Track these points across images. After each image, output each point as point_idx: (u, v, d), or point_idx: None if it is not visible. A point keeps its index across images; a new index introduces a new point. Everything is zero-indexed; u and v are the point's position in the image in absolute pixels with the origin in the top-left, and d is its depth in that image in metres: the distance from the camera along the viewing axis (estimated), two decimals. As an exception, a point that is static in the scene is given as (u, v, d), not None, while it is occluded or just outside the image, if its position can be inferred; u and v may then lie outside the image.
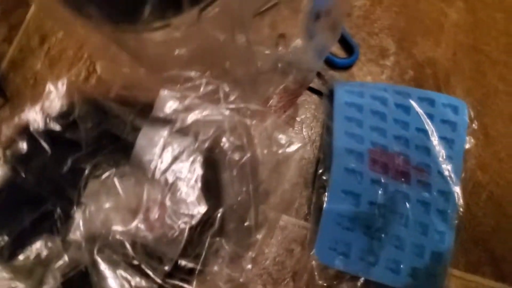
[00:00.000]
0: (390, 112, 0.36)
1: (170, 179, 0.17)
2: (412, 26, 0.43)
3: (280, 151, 0.18)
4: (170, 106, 0.17)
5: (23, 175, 0.17)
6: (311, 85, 0.41)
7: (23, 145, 0.17)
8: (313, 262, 0.29)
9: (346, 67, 0.41)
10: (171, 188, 0.17)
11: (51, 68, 0.45)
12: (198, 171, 0.17)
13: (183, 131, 0.17)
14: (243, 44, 0.25)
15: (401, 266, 0.30)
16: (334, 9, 0.32)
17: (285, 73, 0.41)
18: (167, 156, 0.17)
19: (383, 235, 0.30)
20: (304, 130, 0.40)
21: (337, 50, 0.42)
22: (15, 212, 0.17)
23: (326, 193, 0.30)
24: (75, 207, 0.18)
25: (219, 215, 0.17)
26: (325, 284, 0.29)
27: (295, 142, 0.19)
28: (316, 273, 0.29)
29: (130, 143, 0.18)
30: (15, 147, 0.17)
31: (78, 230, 0.17)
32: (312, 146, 0.39)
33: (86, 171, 0.18)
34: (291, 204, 0.35)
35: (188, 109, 0.17)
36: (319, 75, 0.41)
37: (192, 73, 0.18)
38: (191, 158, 0.17)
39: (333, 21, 0.38)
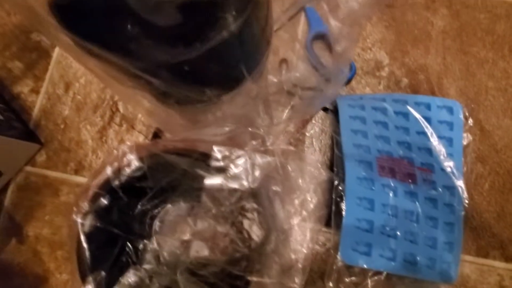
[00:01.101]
0: (391, 120, 0.39)
1: (232, 214, 0.21)
2: (402, 37, 0.46)
3: (313, 181, 0.22)
4: (222, 156, 0.21)
5: (106, 221, 0.22)
6: (316, 101, 0.45)
7: (106, 197, 0.22)
8: (340, 263, 0.33)
9: (346, 83, 0.45)
10: (234, 221, 0.21)
11: (78, 112, 0.49)
12: (252, 205, 0.21)
13: (236, 176, 0.21)
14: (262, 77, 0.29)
15: (417, 258, 0.33)
16: (336, 41, 0.36)
17: (291, 94, 0.46)
18: (227, 197, 0.21)
19: (398, 233, 0.34)
20: (314, 143, 0.44)
21: (336, 67, 0.46)
22: (102, 252, 0.21)
23: (343, 202, 0.34)
24: (143, 240, 0.22)
25: (273, 238, 0.21)
26: (353, 281, 0.32)
27: (323, 172, 0.23)
28: (343, 273, 0.33)
29: (193, 187, 0.22)
30: (100, 199, 0.22)
31: (149, 260, 0.21)
32: (324, 157, 0.43)
33: (150, 211, 0.22)
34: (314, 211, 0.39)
35: (237, 158, 0.21)
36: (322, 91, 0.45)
37: (233, 126, 0.22)
38: (246, 197, 0.21)
39: (338, 52, 0.42)
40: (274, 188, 0.21)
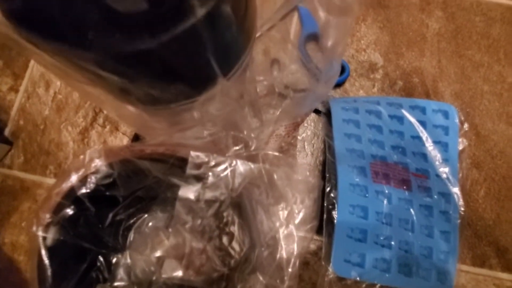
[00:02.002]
0: (385, 124, 0.38)
1: (210, 228, 0.19)
2: (396, 39, 0.45)
3: (301, 189, 0.21)
4: (200, 163, 0.19)
5: (71, 233, 0.19)
6: (309, 104, 0.43)
7: (71, 208, 0.19)
8: (332, 275, 0.31)
9: (339, 84, 0.44)
10: (212, 235, 0.19)
11: (59, 112, 0.47)
12: (233, 217, 0.19)
13: (215, 184, 0.19)
14: (248, 77, 0.27)
15: (413, 269, 0.32)
16: (325, 33, 0.34)
17: (282, 96, 0.44)
18: (205, 207, 0.19)
19: (392, 242, 0.32)
20: (306, 147, 0.42)
21: (329, 68, 0.45)
22: (68, 266, 0.19)
23: (335, 210, 0.32)
24: (115, 254, 0.20)
25: (255, 253, 0.19)
26: (344, 295, 0.31)
27: (312, 179, 0.21)
28: (335, 284, 0.31)
29: (168, 196, 0.20)
30: (64, 210, 0.19)
31: (122, 276, 0.19)
32: (316, 161, 0.42)
33: (123, 222, 0.20)
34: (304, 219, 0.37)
35: (217, 164, 0.19)
36: (315, 94, 0.43)
37: (213, 129, 0.20)
38: (225, 207, 0.19)
39: (328, 46, 0.41)
40: (258, 198, 0.20)
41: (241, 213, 0.20)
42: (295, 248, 0.20)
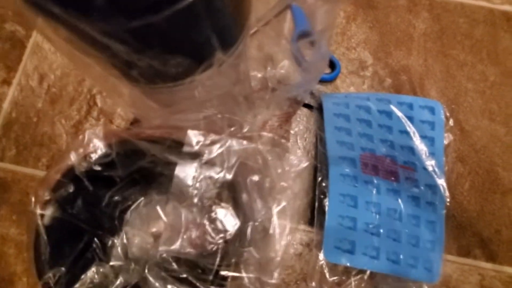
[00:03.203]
0: (374, 119, 0.39)
1: (206, 203, 0.20)
2: (385, 38, 0.47)
3: (292, 169, 0.22)
4: (197, 141, 0.20)
5: (69, 212, 0.20)
6: (301, 99, 0.44)
7: (69, 186, 0.20)
8: (322, 262, 0.32)
9: (330, 81, 0.45)
10: (207, 211, 0.20)
11: (52, 105, 0.47)
12: (227, 193, 0.20)
13: (211, 162, 0.20)
14: (243, 70, 0.28)
15: (401, 256, 0.33)
16: (328, 28, 0.35)
17: (275, 91, 0.45)
18: (201, 185, 0.20)
19: (381, 230, 0.33)
20: (298, 141, 0.43)
21: (321, 65, 0.46)
22: (65, 246, 0.20)
23: (326, 198, 0.33)
24: (112, 235, 0.20)
25: (248, 228, 0.19)
26: (335, 280, 0.31)
27: (303, 161, 0.22)
28: (326, 272, 0.32)
29: (159, 176, 0.20)
30: (62, 188, 0.20)
31: (118, 255, 0.19)
32: (308, 155, 0.43)
33: (119, 204, 0.21)
34: (297, 210, 0.38)
35: (212, 143, 0.20)
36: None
37: (209, 112, 0.21)
38: (220, 184, 0.20)
39: (317, 41, 0.42)
40: (252, 176, 0.20)
41: (235, 190, 0.20)
42: (287, 223, 0.20)
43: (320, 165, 0.35)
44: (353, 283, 0.32)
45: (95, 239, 0.20)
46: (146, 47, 0.14)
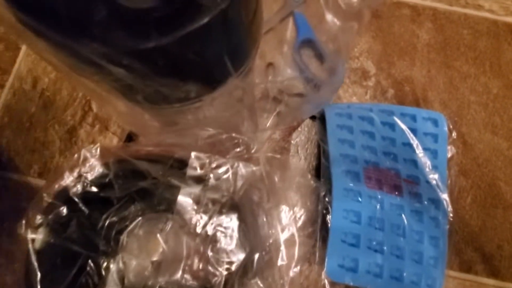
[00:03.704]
0: (377, 131, 0.39)
1: (210, 231, 0.19)
2: (388, 48, 0.46)
3: (301, 192, 0.21)
4: (201, 164, 0.19)
5: (63, 236, 0.18)
6: (303, 109, 0.43)
7: (63, 209, 0.19)
8: (325, 280, 0.31)
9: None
10: (211, 239, 0.19)
11: (45, 110, 0.45)
12: (234, 221, 0.19)
13: (216, 187, 0.19)
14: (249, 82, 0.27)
15: (404, 274, 0.32)
16: (331, 37, 0.34)
17: (277, 100, 0.44)
18: (205, 211, 0.19)
19: (384, 247, 0.32)
20: (299, 151, 0.43)
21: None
22: (57, 271, 0.18)
23: (329, 214, 0.32)
24: (107, 259, 0.19)
25: (255, 258, 0.18)
26: (337, 299, 0.31)
27: (312, 182, 0.21)
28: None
29: (167, 198, 0.19)
30: (55, 211, 0.18)
31: (113, 281, 0.18)
32: (309, 166, 0.42)
33: (116, 225, 0.19)
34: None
35: (218, 166, 0.19)
36: (309, 99, 0.44)
37: (214, 131, 0.20)
38: (226, 211, 0.19)
39: (321, 52, 0.41)
40: (259, 200, 0.19)
41: (241, 216, 0.19)
42: (295, 252, 0.19)
43: (323, 179, 0.34)
44: (355, 302, 0.31)
45: (90, 262, 0.19)
46: (155, 73, 0.13)
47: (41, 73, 0.47)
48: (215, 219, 0.19)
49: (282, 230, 0.20)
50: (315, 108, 0.34)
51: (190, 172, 0.19)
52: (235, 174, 0.19)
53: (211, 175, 0.19)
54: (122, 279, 0.18)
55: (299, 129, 0.43)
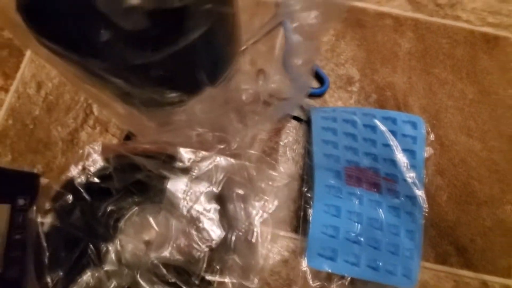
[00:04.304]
0: (359, 133, 0.42)
1: (194, 214, 0.21)
2: (372, 56, 0.50)
3: (274, 185, 0.24)
4: (188, 158, 0.22)
5: (68, 221, 0.21)
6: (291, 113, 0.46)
7: (69, 197, 0.21)
8: (305, 268, 0.34)
9: (319, 95, 0.47)
10: (195, 221, 0.21)
11: (49, 112, 0.48)
12: (214, 206, 0.22)
13: (200, 177, 0.21)
14: (234, 87, 0.30)
15: (380, 264, 0.35)
16: (305, 46, 0.38)
17: (267, 104, 0.47)
18: (190, 198, 0.22)
19: (362, 239, 0.35)
20: (288, 152, 0.45)
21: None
22: (62, 252, 0.21)
23: (311, 208, 0.35)
24: (106, 243, 0.22)
25: (232, 237, 0.21)
26: (317, 286, 0.33)
27: (285, 176, 0.24)
28: (309, 277, 0.33)
29: (152, 188, 0.22)
30: (62, 199, 0.21)
31: (112, 261, 0.21)
32: (297, 166, 0.45)
33: (114, 214, 0.22)
34: (283, 219, 0.40)
35: (202, 160, 0.22)
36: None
37: (201, 130, 0.23)
38: (208, 197, 0.22)
39: (307, 58, 0.44)
40: (238, 190, 0.22)
41: (222, 202, 0.22)
42: (268, 232, 0.22)
43: (306, 177, 0.37)
44: (335, 289, 0.34)
45: (91, 246, 0.22)
46: (147, 83, 0.16)
47: (44, 78, 0.50)
48: (198, 204, 0.22)
49: (257, 214, 0.23)
50: (286, 110, 0.37)
51: (178, 164, 0.22)
52: (216, 166, 0.22)
53: (196, 167, 0.22)
54: (119, 259, 0.21)
55: (288, 131, 0.46)
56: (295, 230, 0.41)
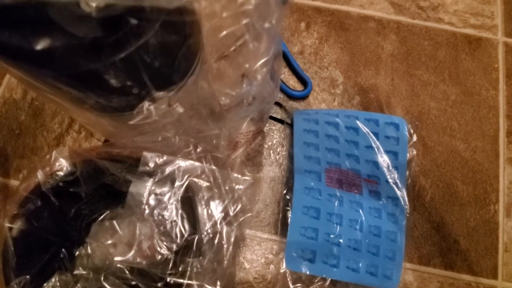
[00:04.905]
0: (342, 135, 0.42)
1: (157, 217, 0.22)
2: (355, 58, 0.50)
3: (238, 186, 0.24)
4: (152, 162, 0.22)
5: (36, 225, 0.21)
6: (275, 115, 0.47)
7: (36, 201, 0.22)
8: (285, 270, 0.34)
9: (303, 98, 0.48)
10: (159, 224, 0.22)
11: (35, 118, 0.48)
12: (177, 209, 0.22)
13: (163, 180, 0.22)
14: (206, 90, 0.31)
15: (360, 265, 0.35)
16: (268, 62, 0.39)
17: (249, 105, 0.47)
18: (153, 200, 0.22)
19: (341, 240, 0.35)
20: (272, 155, 0.46)
21: (295, 84, 0.49)
22: (31, 256, 0.21)
23: (290, 211, 0.35)
24: (78, 247, 0.22)
25: (195, 240, 0.22)
26: (298, 287, 0.33)
27: (248, 178, 0.25)
28: (288, 279, 0.34)
29: (123, 192, 0.23)
30: (30, 203, 0.21)
31: (81, 265, 0.21)
32: (280, 168, 0.45)
33: (86, 217, 0.22)
34: (263, 221, 0.40)
35: (166, 163, 0.22)
36: (281, 106, 0.47)
37: (168, 134, 0.23)
38: (171, 200, 0.22)
39: (268, 71, 0.45)
40: (201, 193, 0.23)
41: (185, 205, 0.23)
42: (232, 234, 0.22)
43: (286, 179, 0.37)
44: (314, 291, 0.34)
45: (63, 250, 0.22)
46: (89, 89, 0.16)
47: (31, 84, 0.50)
48: (162, 207, 0.22)
49: (220, 217, 0.23)
50: (256, 110, 0.38)
51: (141, 168, 0.22)
52: (178, 169, 0.22)
53: (159, 171, 0.22)
54: (87, 263, 0.21)
55: (271, 134, 0.47)
56: (279, 232, 0.41)
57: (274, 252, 0.41)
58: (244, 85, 0.48)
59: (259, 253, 0.41)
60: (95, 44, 0.14)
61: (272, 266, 0.40)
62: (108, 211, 0.22)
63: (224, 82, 0.42)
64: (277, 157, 0.45)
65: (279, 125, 0.47)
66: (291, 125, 0.45)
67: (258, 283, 0.40)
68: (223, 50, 0.42)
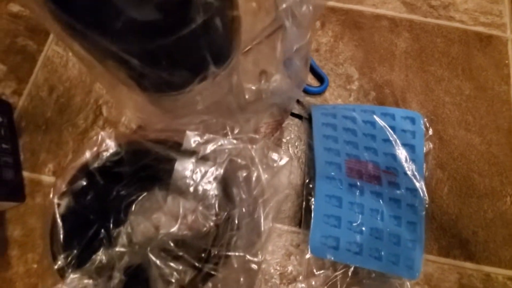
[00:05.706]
0: (359, 128, 0.43)
1: (200, 192, 0.23)
2: (370, 55, 0.51)
3: (274, 165, 0.25)
4: (194, 141, 0.23)
5: (82, 203, 0.23)
6: (293, 111, 0.48)
7: (83, 180, 0.23)
8: (309, 257, 0.34)
9: (319, 94, 0.49)
10: (201, 198, 0.23)
11: (60, 114, 0.50)
12: (219, 185, 0.23)
13: (205, 158, 0.23)
14: (236, 83, 0.32)
15: (382, 253, 0.36)
16: (303, 47, 0.40)
17: (268, 101, 0.49)
18: (196, 177, 0.23)
19: (363, 229, 0.36)
20: (290, 149, 0.47)
21: (311, 80, 0.50)
22: (76, 233, 0.22)
23: (313, 199, 0.36)
24: (117, 227, 0.23)
25: (236, 215, 0.23)
26: (322, 274, 0.34)
27: (284, 157, 0.26)
28: (313, 266, 0.34)
29: (161, 174, 0.24)
30: (77, 182, 0.23)
31: (123, 242, 0.22)
32: (299, 161, 0.46)
33: (125, 198, 0.24)
34: (283, 213, 0.41)
35: (207, 142, 0.23)
36: (298, 102, 0.48)
37: (206, 117, 0.24)
38: (213, 176, 0.23)
39: (304, 57, 0.46)
40: (240, 171, 0.24)
41: (225, 182, 0.24)
42: (269, 211, 0.23)
43: (308, 169, 0.38)
44: (338, 277, 0.35)
45: (102, 229, 0.23)
46: (157, 63, 0.17)
47: (56, 82, 0.52)
48: (204, 182, 0.23)
49: (257, 196, 0.24)
50: (287, 97, 0.39)
51: (185, 145, 0.23)
52: (220, 148, 0.23)
53: (201, 149, 0.23)
54: (130, 240, 0.22)
55: (290, 128, 0.48)
56: (299, 224, 0.41)
57: (294, 244, 0.41)
58: (263, 81, 0.50)
59: (279, 245, 0.42)
60: (164, 21, 0.15)
61: (292, 257, 0.41)
62: (146, 193, 0.24)
63: (244, 77, 0.44)
64: (296, 150, 0.46)
65: (296, 120, 0.48)
66: (309, 120, 0.46)
67: (279, 274, 0.40)
68: (247, 43, 0.44)
